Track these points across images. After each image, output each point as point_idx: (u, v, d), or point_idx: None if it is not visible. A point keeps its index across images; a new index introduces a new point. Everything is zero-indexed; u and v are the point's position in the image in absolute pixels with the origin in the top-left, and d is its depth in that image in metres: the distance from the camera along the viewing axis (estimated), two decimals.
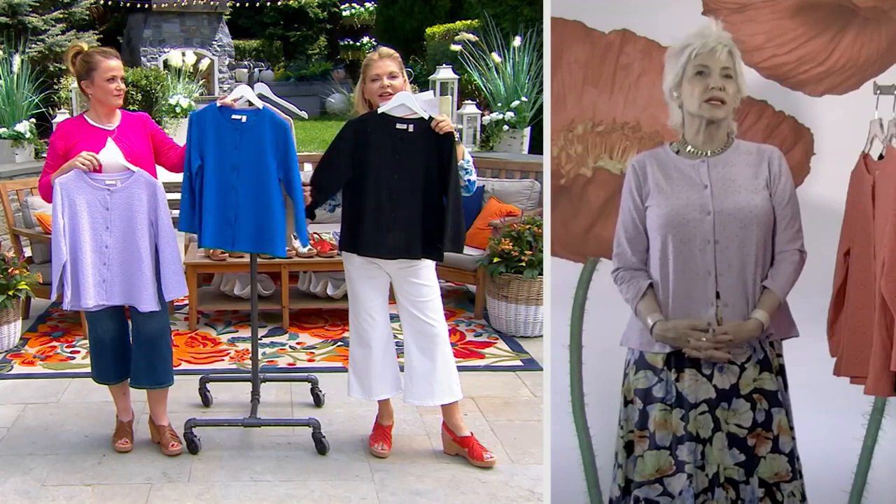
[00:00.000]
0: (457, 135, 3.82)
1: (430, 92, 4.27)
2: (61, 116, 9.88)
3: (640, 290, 2.80)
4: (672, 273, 2.75)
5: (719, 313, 2.72)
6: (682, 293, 2.75)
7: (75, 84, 9.96)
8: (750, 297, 2.73)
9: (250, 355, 4.44)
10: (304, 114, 4.28)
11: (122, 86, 3.96)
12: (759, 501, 2.72)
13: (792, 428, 2.78)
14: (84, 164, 3.81)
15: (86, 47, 4.03)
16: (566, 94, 3.06)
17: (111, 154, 3.87)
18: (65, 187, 3.83)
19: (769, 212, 2.75)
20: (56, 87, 11.80)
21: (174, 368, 5.15)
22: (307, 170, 7.50)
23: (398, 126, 3.75)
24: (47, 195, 3.94)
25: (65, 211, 3.82)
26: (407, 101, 3.74)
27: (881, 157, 2.75)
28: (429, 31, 16.67)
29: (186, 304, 6.05)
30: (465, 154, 3.86)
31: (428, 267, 3.92)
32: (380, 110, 3.76)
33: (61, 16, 14.06)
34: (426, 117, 3.74)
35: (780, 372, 2.79)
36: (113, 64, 3.92)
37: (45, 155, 9.71)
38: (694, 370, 2.74)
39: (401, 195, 3.75)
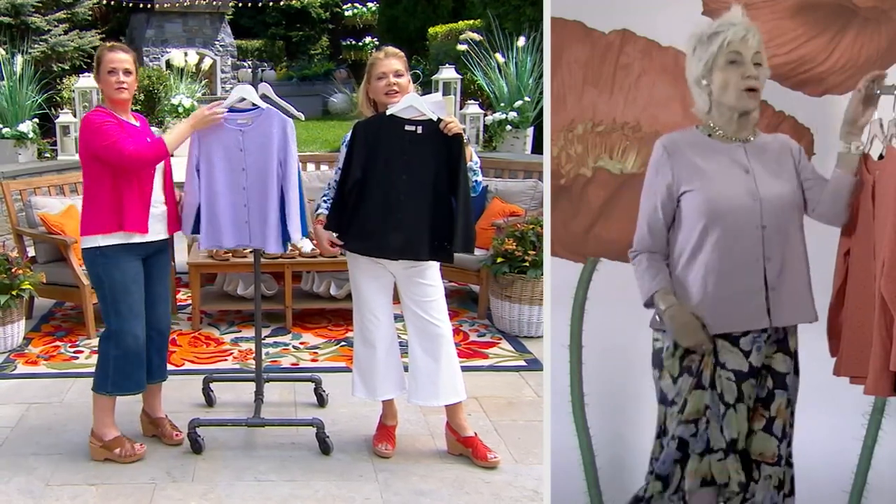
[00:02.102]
0: (465, 136, 3.82)
1: (438, 93, 4.27)
2: (64, 116, 9.87)
3: (661, 282, 2.76)
4: (717, 260, 2.70)
5: (769, 301, 2.71)
6: (728, 281, 2.70)
7: (78, 84, 10.06)
8: (796, 283, 2.73)
9: (254, 355, 4.45)
10: (300, 115, 4.29)
11: (124, 78, 3.86)
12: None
13: (791, 413, 2.79)
14: (215, 119, 3.90)
15: (109, 46, 4.00)
16: (566, 94, 3.06)
17: (246, 91, 3.94)
18: (202, 130, 3.91)
19: (801, 198, 2.78)
20: (59, 87, 11.81)
21: (177, 368, 5.21)
22: (310, 170, 7.53)
23: (407, 128, 3.74)
24: (157, 153, 3.85)
25: (201, 153, 3.91)
26: (415, 103, 3.74)
27: (881, 157, 2.75)
28: (431, 30, 16.66)
29: (189, 304, 6.07)
30: (473, 156, 3.86)
31: (432, 267, 3.92)
32: (388, 112, 3.76)
33: (64, 16, 14.08)
34: (434, 119, 3.74)
35: (795, 355, 2.81)
36: (115, 56, 3.87)
37: (47, 155, 9.71)
38: (727, 343, 2.74)
39: (409, 196, 3.74)
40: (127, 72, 3.89)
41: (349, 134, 3.92)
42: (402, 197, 3.74)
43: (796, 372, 2.81)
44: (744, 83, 2.69)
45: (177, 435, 4.17)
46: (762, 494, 2.77)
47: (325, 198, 3.97)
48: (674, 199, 2.77)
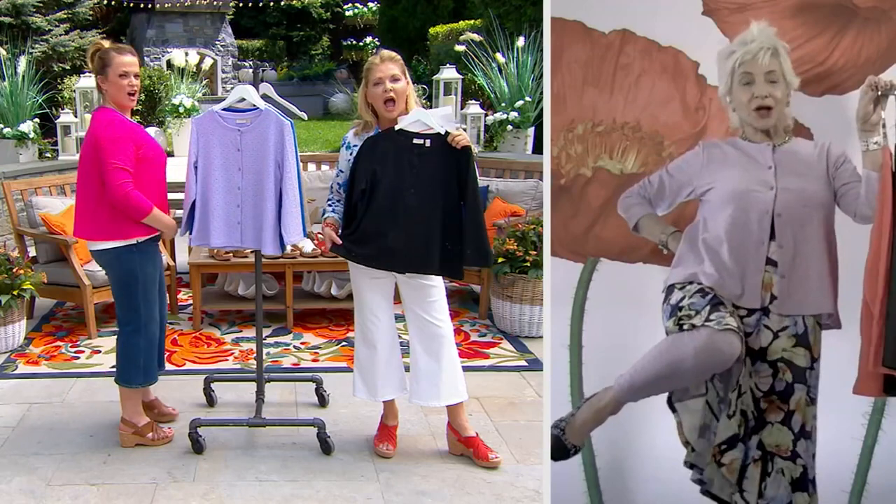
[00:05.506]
0: (475, 148, 3.80)
1: (449, 107, 4.26)
2: (65, 117, 9.86)
3: (639, 215, 2.94)
4: (727, 234, 2.77)
5: (770, 283, 2.76)
6: (734, 254, 2.77)
7: (79, 84, 10.05)
8: (811, 274, 2.76)
9: (255, 355, 4.46)
10: (303, 115, 4.29)
11: (136, 82, 3.90)
12: (752, 462, 2.76)
13: (814, 412, 2.81)
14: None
15: (106, 45, 3.95)
16: (566, 94, 3.07)
17: (246, 92, 3.97)
18: (201, 128, 3.94)
19: (831, 199, 2.81)
20: (60, 87, 11.81)
21: (178, 368, 5.21)
22: (310, 169, 7.54)
23: (415, 141, 3.73)
24: (138, 209, 3.85)
25: (200, 151, 3.93)
26: (423, 117, 3.73)
27: None
28: (432, 30, 16.64)
29: (190, 304, 6.07)
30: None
31: None
32: (396, 127, 3.75)
33: (65, 16, 14.08)
34: (443, 132, 3.73)
35: (815, 350, 2.83)
36: (126, 59, 3.87)
37: (48, 155, 9.71)
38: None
39: (417, 209, 3.73)
40: (136, 75, 3.92)
41: (350, 133, 3.92)
42: (409, 210, 3.73)
43: (816, 362, 2.83)
44: (754, 102, 2.79)
45: (173, 409, 4.37)
46: (773, 487, 2.79)
47: (329, 202, 3.97)
48: (686, 191, 2.92)
